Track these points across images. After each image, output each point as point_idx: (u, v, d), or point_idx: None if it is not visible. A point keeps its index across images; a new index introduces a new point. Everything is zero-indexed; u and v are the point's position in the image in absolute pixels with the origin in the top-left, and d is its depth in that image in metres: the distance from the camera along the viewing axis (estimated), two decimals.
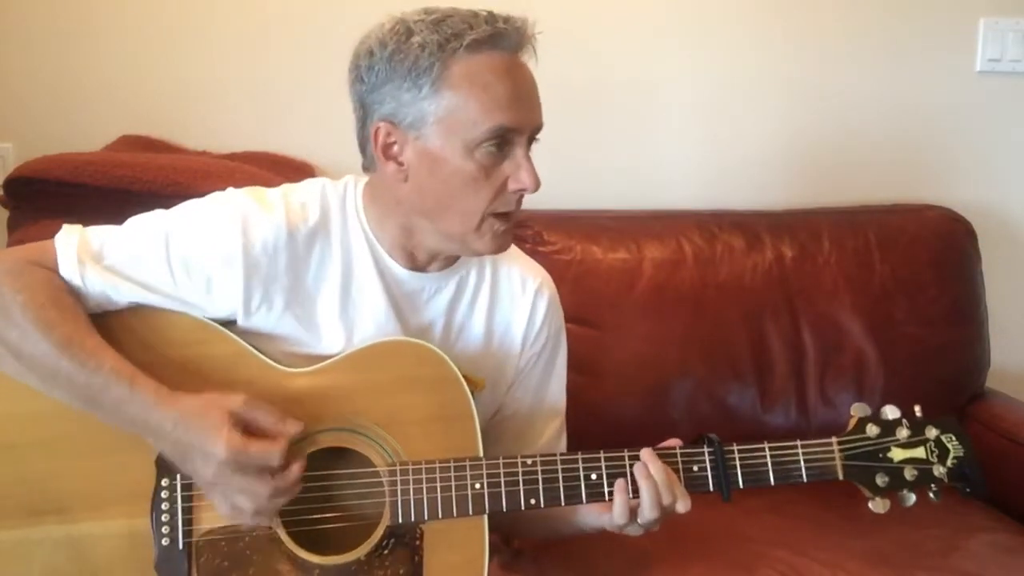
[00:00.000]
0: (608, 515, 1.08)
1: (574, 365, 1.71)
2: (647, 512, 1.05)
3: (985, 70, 2.05)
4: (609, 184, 2.00)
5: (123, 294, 1.07)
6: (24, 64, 1.86)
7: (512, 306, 1.20)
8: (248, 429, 0.99)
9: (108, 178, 1.56)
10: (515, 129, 1.04)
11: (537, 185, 1.06)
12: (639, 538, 1.43)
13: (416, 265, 1.14)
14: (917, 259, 1.84)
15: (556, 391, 1.27)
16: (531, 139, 1.08)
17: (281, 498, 1.01)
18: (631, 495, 1.06)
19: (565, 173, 2.00)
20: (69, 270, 1.06)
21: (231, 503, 1.00)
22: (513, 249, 1.24)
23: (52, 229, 1.55)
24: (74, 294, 1.06)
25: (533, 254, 1.77)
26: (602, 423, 1.62)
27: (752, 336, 1.78)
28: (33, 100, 1.87)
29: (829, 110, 2.04)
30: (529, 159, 1.06)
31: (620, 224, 1.85)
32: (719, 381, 1.76)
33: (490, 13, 1.05)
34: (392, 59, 1.03)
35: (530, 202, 1.90)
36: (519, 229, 1.82)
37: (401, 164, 1.07)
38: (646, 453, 1.07)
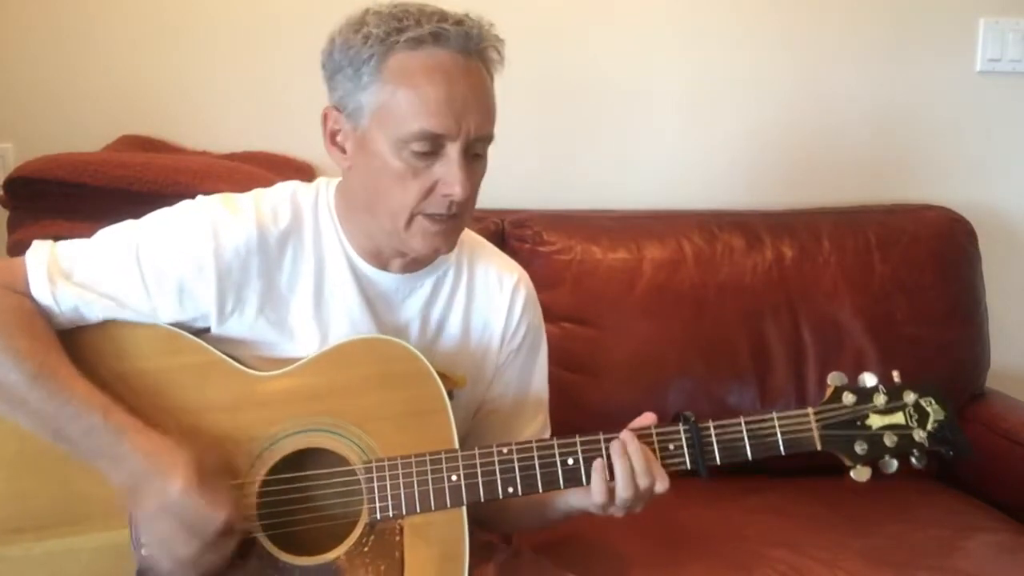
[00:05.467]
0: (589, 497, 1.07)
1: (574, 365, 1.74)
2: (622, 491, 1.04)
3: (985, 70, 2.05)
4: (609, 184, 2.01)
5: (95, 309, 1.07)
6: (24, 64, 1.87)
7: (489, 303, 1.20)
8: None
9: (108, 178, 1.56)
10: (443, 135, 1.01)
11: (464, 194, 1.02)
12: (639, 538, 1.44)
13: (386, 265, 1.14)
14: (917, 259, 1.84)
15: (538, 387, 1.26)
16: (472, 145, 1.04)
17: (200, 567, 1.00)
18: (608, 477, 1.06)
19: (565, 174, 2.01)
20: (40, 290, 1.05)
21: (157, 543, 1.00)
22: (490, 247, 1.25)
23: (52, 229, 1.56)
24: (45, 318, 1.05)
25: (533, 254, 1.79)
26: (602, 423, 1.61)
27: (752, 336, 1.78)
28: (33, 100, 1.88)
29: (829, 110, 2.04)
30: (461, 166, 1.02)
31: (620, 224, 1.85)
32: (719, 381, 1.76)
33: (442, 12, 1.03)
34: (342, 48, 1.04)
35: (530, 202, 1.92)
36: (519, 229, 1.83)
37: (345, 152, 1.08)
38: (625, 435, 1.07)
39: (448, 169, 1.02)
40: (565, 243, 1.80)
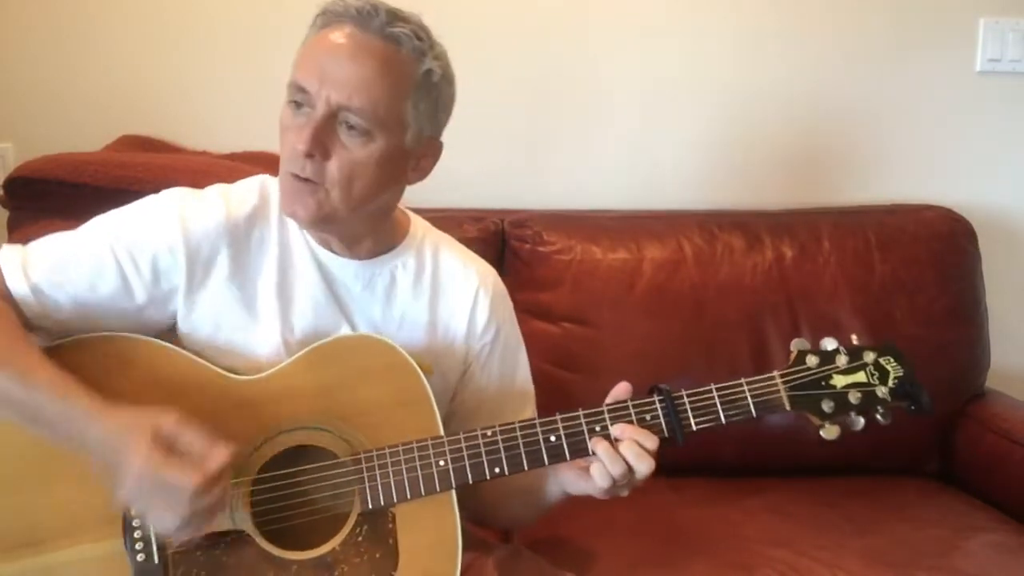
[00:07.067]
0: (589, 483, 1.08)
1: (574, 365, 1.74)
2: (614, 471, 1.06)
3: (985, 70, 2.05)
4: (609, 184, 2.01)
5: (68, 291, 1.08)
6: (24, 64, 1.87)
7: (454, 295, 1.22)
8: (175, 448, 0.96)
9: (108, 178, 1.56)
10: (305, 89, 1.05)
11: (305, 148, 1.03)
12: (639, 537, 1.44)
13: (336, 250, 1.16)
14: (917, 259, 1.84)
15: (522, 379, 1.28)
16: (338, 113, 1.04)
17: (201, 519, 0.97)
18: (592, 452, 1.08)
19: (565, 174, 2.01)
20: (14, 279, 1.07)
21: (153, 516, 0.98)
22: (456, 243, 1.27)
23: (52, 229, 1.54)
24: (14, 309, 1.06)
25: (533, 254, 1.79)
26: None
27: (752, 336, 1.78)
28: (33, 100, 1.88)
29: (830, 110, 2.04)
30: (315, 122, 1.03)
31: (620, 224, 1.85)
32: (719, 381, 1.74)
33: None
34: None
35: (530, 202, 1.92)
36: (519, 229, 1.83)
37: None
38: (616, 430, 1.08)
39: (303, 122, 1.05)
40: (565, 243, 1.80)
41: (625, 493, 1.10)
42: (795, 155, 2.04)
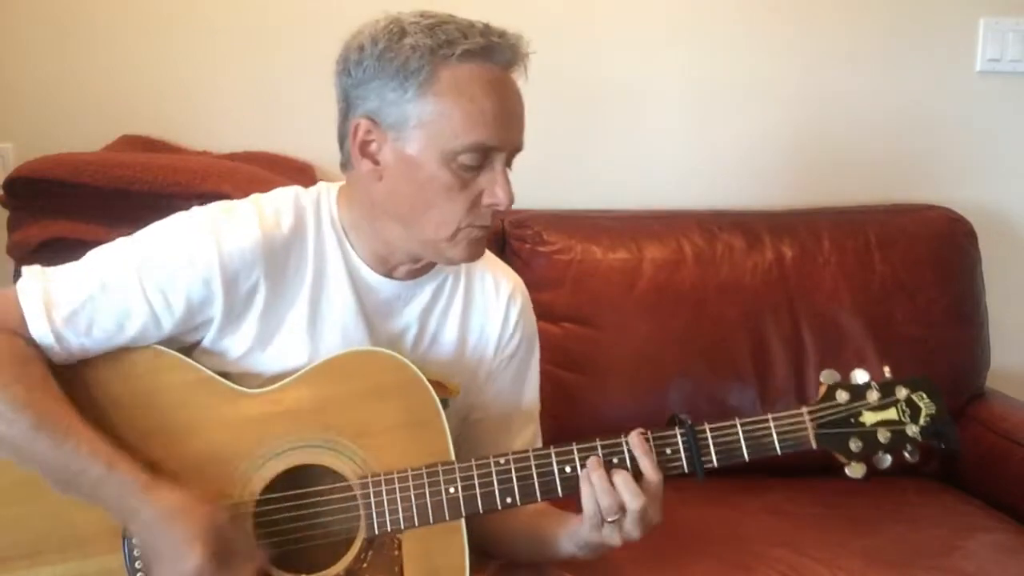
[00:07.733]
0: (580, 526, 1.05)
1: (574, 365, 1.74)
2: (603, 501, 1.02)
3: (985, 70, 2.05)
4: (609, 184, 2.01)
5: (99, 341, 1.04)
6: (24, 64, 1.87)
7: (486, 310, 1.19)
8: (224, 547, 0.98)
9: (108, 178, 1.56)
10: (495, 148, 1.03)
11: (511, 202, 1.04)
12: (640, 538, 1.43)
13: (390, 272, 1.12)
14: (917, 259, 1.84)
15: (530, 396, 1.25)
16: (511, 157, 1.07)
17: None
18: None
19: (565, 173, 2.01)
20: (39, 327, 1.01)
21: None
22: (486, 254, 1.23)
23: (52, 229, 1.56)
24: (41, 358, 1.02)
25: (533, 254, 1.79)
26: (601, 423, 1.60)
27: (752, 336, 1.78)
28: (33, 100, 1.88)
29: (829, 110, 2.04)
30: (506, 175, 1.05)
31: (620, 224, 1.85)
32: (719, 381, 1.76)
33: (486, 26, 1.04)
34: (382, 57, 1.01)
35: (530, 202, 1.92)
36: (519, 229, 1.83)
37: (377, 163, 1.05)
38: (592, 463, 1.04)
39: (495, 179, 1.04)
40: (565, 243, 1.80)
41: (616, 540, 1.04)
42: (795, 155, 2.04)
